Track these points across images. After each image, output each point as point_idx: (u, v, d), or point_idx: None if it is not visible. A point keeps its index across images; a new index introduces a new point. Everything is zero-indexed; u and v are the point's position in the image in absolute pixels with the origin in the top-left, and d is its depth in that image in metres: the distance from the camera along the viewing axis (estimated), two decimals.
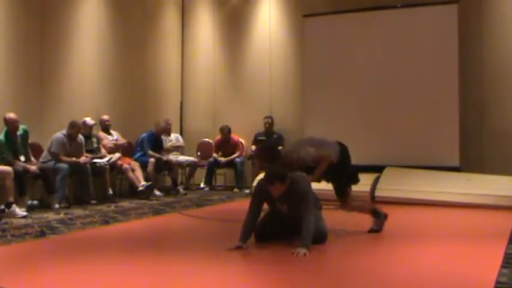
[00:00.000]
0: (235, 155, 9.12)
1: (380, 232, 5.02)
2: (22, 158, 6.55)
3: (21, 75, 7.28)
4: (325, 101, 8.77)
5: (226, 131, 9.14)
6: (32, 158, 6.81)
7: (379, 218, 5.06)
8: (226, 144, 9.20)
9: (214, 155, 9.16)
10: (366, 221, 6.06)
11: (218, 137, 9.31)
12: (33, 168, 6.54)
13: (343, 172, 4.94)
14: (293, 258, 3.95)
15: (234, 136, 9.28)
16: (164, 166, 8.45)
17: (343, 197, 4.94)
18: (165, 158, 8.47)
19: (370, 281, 3.45)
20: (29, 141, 6.88)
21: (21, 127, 6.69)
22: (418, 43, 8.21)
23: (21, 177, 6.33)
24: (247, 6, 9.81)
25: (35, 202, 6.76)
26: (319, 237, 4.35)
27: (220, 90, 9.97)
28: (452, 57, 7.95)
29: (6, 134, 6.48)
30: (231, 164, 9.10)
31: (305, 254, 3.95)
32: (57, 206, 6.63)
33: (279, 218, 4.43)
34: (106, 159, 7.56)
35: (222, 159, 9.08)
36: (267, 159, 4.72)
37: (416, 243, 4.65)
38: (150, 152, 8.32)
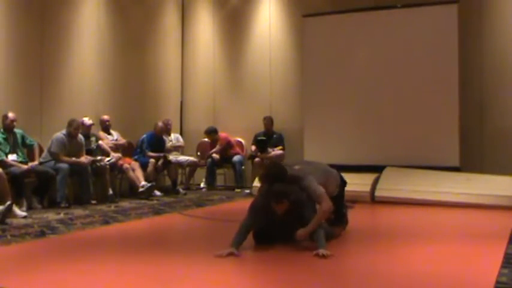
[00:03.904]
0: (233, 152, 9.11)
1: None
2: (14, 157, 6.56)
3: (22, 75, 7.29)
4: (325, 101, 8.77)
5: (209, 133, 9.12)
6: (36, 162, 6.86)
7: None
8: (216, 144, 9.15)
9: (214, 155, 9.13)
10: (366, 220, 6.10)
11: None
12: (24, 166, 6.55)
13: (342, 199, 4.85)
14: (292, 259, 3.96)
15: (222, 134, 9.21)
16: (166, 165, 8.45)
17: (343, 223, 4.80)
18: (171, 157, 8.52)
19: (370, 281, 3.45)
20: (28, 143, 6.91)
21: (18, 131, 6.73)
22: (418, 43, 8.22)
23: (19, 178, 6.36)
24: (247, 6, 9.81)
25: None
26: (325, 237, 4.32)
27: (220, 90, 9.97)
28: (452, 57, 7.95)
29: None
30: (229, 162, 9.08)
31: (324, 254, 3.91)
32: (56, 206, 6.66)
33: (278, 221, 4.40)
34: (107, 159, 7.56)
35: (216, 155, 9.02)
36: (275, 179, 4.34)
37: (416, 243, 4.65)
38: (150, 153, 8.32)
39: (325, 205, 4.24)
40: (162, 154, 8.41)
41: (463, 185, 7.05)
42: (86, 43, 8.27)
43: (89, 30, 8.32)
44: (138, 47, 9.24)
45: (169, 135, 9.20)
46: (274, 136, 9.09)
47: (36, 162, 6.84)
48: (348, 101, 8.61)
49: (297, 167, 4.50)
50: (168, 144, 8.94)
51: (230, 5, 9.96)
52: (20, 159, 6.67)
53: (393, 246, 4.51)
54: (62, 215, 6.14)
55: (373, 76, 8.44)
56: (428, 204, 6.87)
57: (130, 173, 7.82)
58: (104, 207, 6.79)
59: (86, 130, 7.52)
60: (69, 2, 8.02)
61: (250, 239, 4.30)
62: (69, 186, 7.07)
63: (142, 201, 7.43)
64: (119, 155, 7.89)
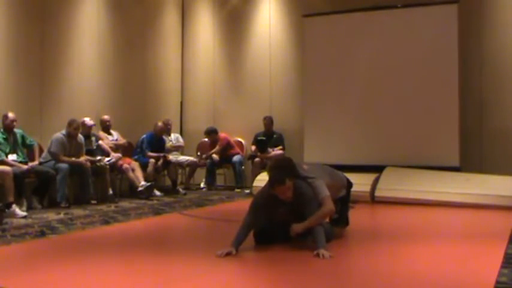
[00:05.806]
0: (233, 152, 9.11)
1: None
2: (14, 157, 6.57)
3: (22, 75, 7.29)
4: (325, 101, 8.78)
5: (209, 133, 9.15)
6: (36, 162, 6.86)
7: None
8: (216, 144, 9.17)
9: (214, 155, 9.12)
10: (366, 220, 6.09)
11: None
12: (24, 167, 6.55)
13: (348, 200, 4.89)
14: (292, 259, 3.95)
15: (221, 134, 9.23)
16: (166, 165, 8.45)
17: (344, 223, 4.81)
18: (171, 157, 8.52)
19: (370, 281, 3.45)
20: (28, 143, 6.91)
21: (17, 131, 6.73)
22: (418, 43, 8.22)
23: (19, 178, 6.36)
24: (247, 6, 9.81)
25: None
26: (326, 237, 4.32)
27: (220, 90, 9.97)
28: (452, 57, 7.95)
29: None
30: (229, 162, 9.08)
31: (325, 255, 3.90)
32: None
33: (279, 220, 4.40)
34: (107, 159, 7.56)
35: (215, 156, 9.02)
36: (288, 175, 4.23)
37: (417, 243, 4.65)
38: (150, 153, 8.32)
39: (328, 207, 4.24)
40: (162, 154, 8.41)
41: (463, 185, 7.05)
42: (86, 43, 8.26)
43: (89, 30, 8.32)
44: (138, 47, 9.23)
45: (169, 135, 9.21)
46: (274, 136, 9.08)
47: (36, 162, 6.85)
48: (348, 101, 8.61)
49: (305, 167, 4.51)
50: (168, 144, 8.94)
51: (230, 5, 9.96)
52: (20, 159, 6.67)
53: (393, 246, 4.51)
54: (62, 215, 6.14)
55: (373, 76, 8.44)
56: (428, 204, 6.87)
57: (130, 173, 7.82)
58: (104, 207, 6.79)
59: (87, 130, 7.53)
60: (69, 2, 8.03)
61: (250, 239, 4.31)
62: (69, 186, 7.06)
63: (142, 201, 7.43)
64: (118, 155, 7.89)
